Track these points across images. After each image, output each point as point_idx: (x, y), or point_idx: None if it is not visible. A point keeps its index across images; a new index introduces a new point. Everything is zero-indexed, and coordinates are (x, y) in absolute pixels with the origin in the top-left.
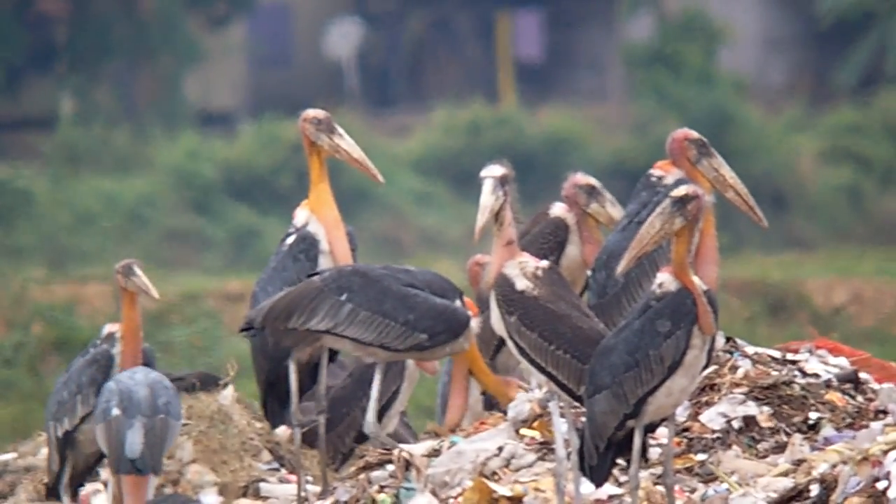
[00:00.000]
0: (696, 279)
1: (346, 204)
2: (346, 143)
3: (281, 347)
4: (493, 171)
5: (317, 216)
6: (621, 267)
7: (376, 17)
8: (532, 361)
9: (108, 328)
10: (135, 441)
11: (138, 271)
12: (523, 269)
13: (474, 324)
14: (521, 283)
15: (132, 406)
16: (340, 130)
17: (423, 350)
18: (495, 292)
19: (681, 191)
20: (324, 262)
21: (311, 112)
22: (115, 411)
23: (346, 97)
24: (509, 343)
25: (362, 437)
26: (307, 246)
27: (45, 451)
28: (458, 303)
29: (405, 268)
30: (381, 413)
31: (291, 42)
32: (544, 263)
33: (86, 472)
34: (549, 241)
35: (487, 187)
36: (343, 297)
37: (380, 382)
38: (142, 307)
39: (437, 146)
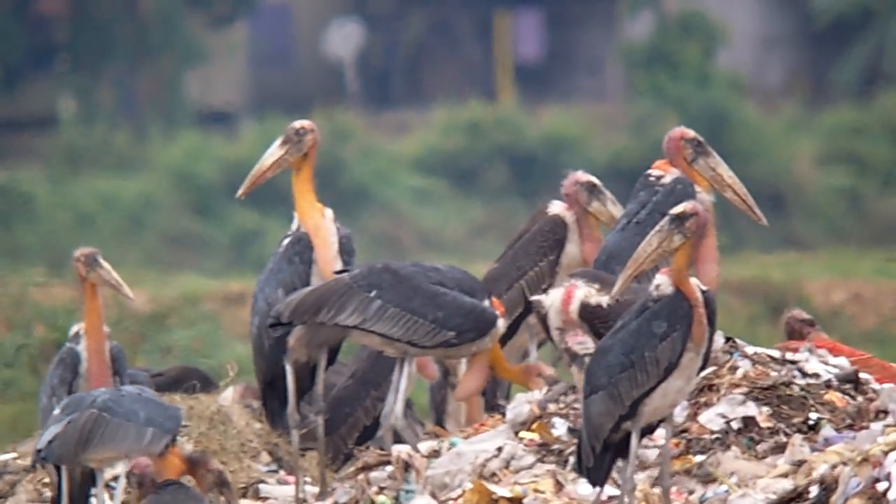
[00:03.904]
0: (694, 281)
1: (344, 204)
2: None
3: (276, 348)
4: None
5: (304, 224)
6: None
7: (376, 18)
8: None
9: (76, 327)
10: (49, 432)
11: (103, 263)
12: (586, 294)
13: (501, 323)
14: (595, 300)
15: (71, 404)
16: None
17: (450, 347)
18: (586, 323)
19: (679, 208)
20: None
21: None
22: (56, 411)
23: (346, 97)
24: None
25: (364, 438)
26: (301, 248)
27: None
28: (486, 302)
29: (434, 266)
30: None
31: (292, 42)
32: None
33: (85, 485)
34: (548, 239)
35: None
36: (372, 294)
37: (406, 376)
38: (139, 309)
39: (437, 146)
